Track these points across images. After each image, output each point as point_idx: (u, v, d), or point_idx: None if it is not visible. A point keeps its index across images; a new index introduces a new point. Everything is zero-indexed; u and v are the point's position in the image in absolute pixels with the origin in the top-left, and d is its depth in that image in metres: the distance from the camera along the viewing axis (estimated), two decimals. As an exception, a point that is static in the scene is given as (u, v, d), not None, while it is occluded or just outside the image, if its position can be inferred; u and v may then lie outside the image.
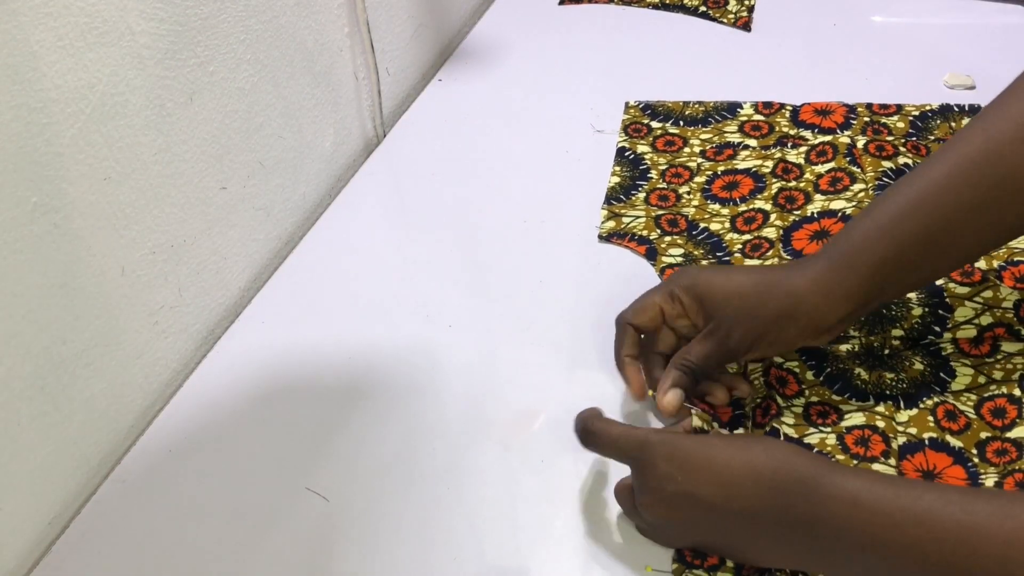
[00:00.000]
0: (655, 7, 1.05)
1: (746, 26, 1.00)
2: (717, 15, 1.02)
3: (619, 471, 0.55)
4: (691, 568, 0.49)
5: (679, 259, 0.68)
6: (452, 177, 0.81)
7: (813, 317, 0.52)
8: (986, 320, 0.57)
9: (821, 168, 0.73)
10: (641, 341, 0.59)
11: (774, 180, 0.73)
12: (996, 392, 0.55)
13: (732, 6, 1.02)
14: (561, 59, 0.96)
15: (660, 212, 0.73)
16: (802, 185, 0.72)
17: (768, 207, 0.71)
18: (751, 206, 0.72)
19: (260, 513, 0.55)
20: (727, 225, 0.71)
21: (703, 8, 1.03)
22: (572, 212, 0.75)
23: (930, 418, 0.54)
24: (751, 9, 1.02)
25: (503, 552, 0.52)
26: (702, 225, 0.71)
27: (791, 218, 0.70)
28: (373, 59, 0.83)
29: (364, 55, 0.83)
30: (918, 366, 0.57)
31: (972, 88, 0.86)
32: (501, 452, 0.57)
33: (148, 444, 0.60)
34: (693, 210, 0.73)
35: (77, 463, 0.57)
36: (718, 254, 0.69)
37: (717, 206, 0.72)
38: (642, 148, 0.80)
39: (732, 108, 0.84)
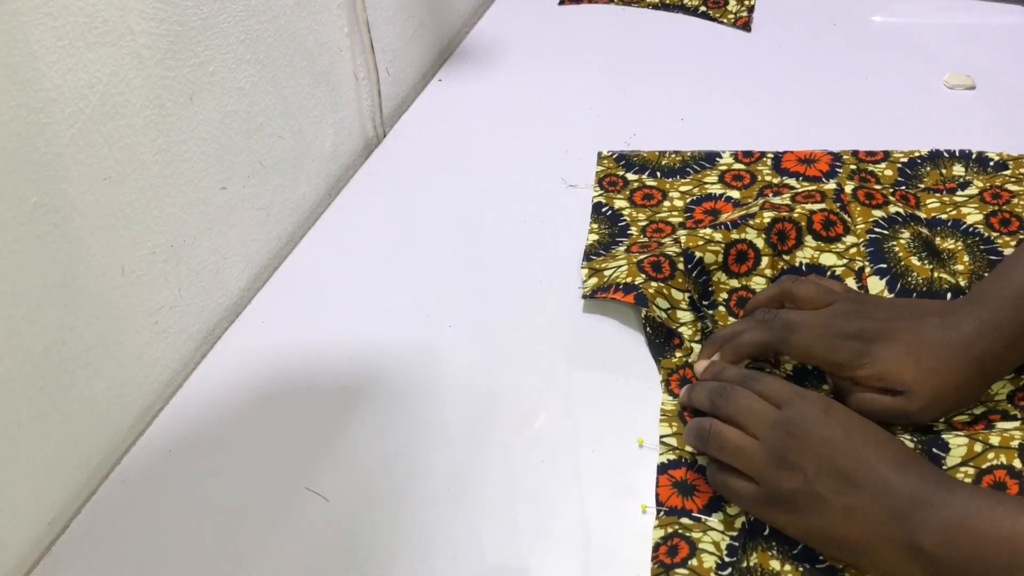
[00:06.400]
0: (655, 7, 1.05)
1: (746, 26, 1.00)
2: (717, 15, 1.02)
3: (619, 471, 0.55)
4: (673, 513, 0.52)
5: (665, 311, 0.63)
6: (452, 177, 0.81)
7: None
8: (979, 410, 0.55)
9: (813, 206, 0.68)
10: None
11: (765, 213, 0.67)
12: (995, 463, 0.51)
13: (732, 6, 1.03)
14: (561, 59, 0.96)
15: (642, 256, 0.66)
16: (795, 216, 0.67)
17: (760, 243, 0.66)
18: (743, 235, 0.66)
19: (260, 513, 0.55)
20: (720, 259, 0.65)
21: (703, 8, 1.03)
22: (572, 212, 0.75)
23: None
24: (751, 9, 1.02)
25: (503, 552, 0.52)
26: (697, 255, 0.65)
27: (780, 265, 0.66)
28: (373, 59, 0.83)
29: (364, 55, 0.83)
30: (908, 445, 0.53)
31: (972, 88, 0.86)
32: (501, 452, 0.57)
33: (148, 444, 0.60)
34: (684, 239, 0.66)
35: (77, 463, 0.57)
36: (704, 303, 0.64)
37: (709, 230, 0.66)
38: (619, 203, 0.75)
39: (711, 157, 0.79)
